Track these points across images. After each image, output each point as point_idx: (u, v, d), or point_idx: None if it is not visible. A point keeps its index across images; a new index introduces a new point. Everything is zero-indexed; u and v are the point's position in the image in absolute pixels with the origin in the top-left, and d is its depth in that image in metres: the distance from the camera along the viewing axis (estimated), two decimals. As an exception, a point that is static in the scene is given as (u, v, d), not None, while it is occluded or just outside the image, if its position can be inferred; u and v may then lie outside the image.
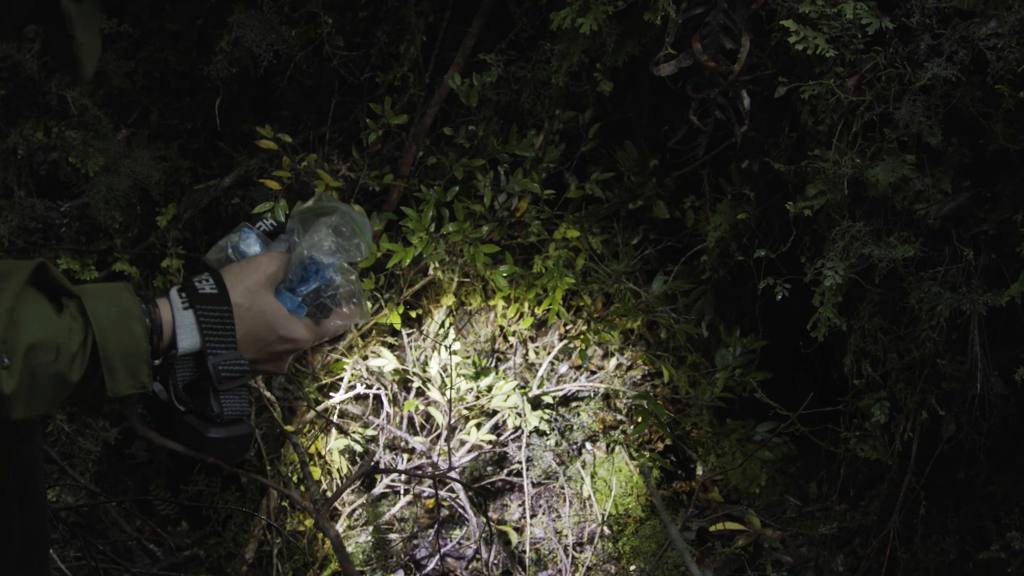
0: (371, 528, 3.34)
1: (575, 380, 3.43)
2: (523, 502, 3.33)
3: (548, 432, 3.44)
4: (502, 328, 3.46)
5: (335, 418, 3.33)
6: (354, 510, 3.36)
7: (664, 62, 2.68)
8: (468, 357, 3.41)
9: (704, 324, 3.24)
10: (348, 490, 3.32)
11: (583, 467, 3.40)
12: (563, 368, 3.47)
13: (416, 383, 3.40)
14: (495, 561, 3.27)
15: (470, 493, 3.31)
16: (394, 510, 3.37)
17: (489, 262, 3.13)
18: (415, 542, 3.38)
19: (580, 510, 3.37)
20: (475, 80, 3.11)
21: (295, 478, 3.27)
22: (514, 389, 3.27)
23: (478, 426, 3.36)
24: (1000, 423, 2.59)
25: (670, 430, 3.29)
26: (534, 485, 3.41)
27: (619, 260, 3.21)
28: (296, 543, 3.18)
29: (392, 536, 3.36)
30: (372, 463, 3.19)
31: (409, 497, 3.39)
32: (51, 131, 3.11)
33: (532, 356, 3.47)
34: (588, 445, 3.45)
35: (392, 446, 3.44)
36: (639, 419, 3.19)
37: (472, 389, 3.30)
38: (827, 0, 2.40)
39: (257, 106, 3.43)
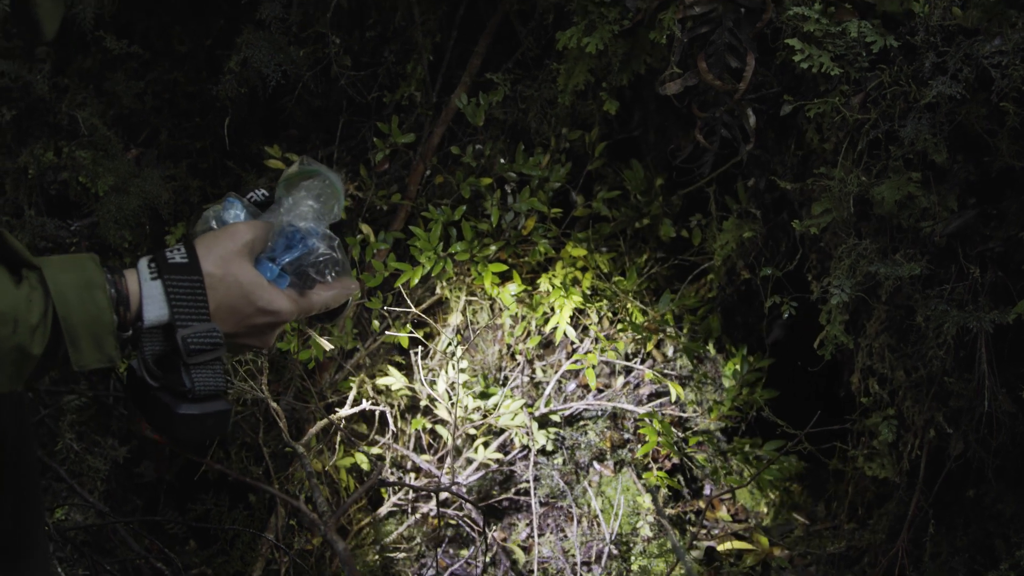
0: (378, 547, 3.34)
1: (582, 399, 3.43)
2: (530, 521, 3.32)
3: (555, 451, 3.44)
4: (509, 346, 3.46)
5: (342, 436, 3.33)
6: (361, 528, 3.35)
7: (670, 81, 2.69)
8: (475, 375, 3.42)
9: (711, 342, 3.24)
10: (354, 509, 3.32)
11: (590, 486, 3.39)
12: (570, 386, 3.47)
13: (423, 401, 3.41)
14: (502, 580, 3.26)
15: (477, 512, 3.31)
16: (401, 529, 3.37)
17: (496, 280, 3.14)
18: (422, 561, 3.38)
19: (588, 529, 3.36)
20: (482, 99, 3.12)
21: (303, 496, 3.28)
22: (521, 408, 3.27)
23: (485, 444, 3.36)
24: (1008, 441, 2.58)
25: (677, 449, 3.28)
26: (541, 504, 3.41)
27: (626, 278, 3.21)
28: (303, 563, 3.18)
29: (399, 555, 3.35)
30: (381, 478, 3.19)
31: (416, 516, 3.39)
32: (61, 151, 3.13)
33: (539, 374, 3.47)
34: (595, 464, 3.45)
35: (399, 464, 3.44)
36: (646, 438, 3.18)
37: (479, 407, 3.30)
38: (832, 19, 2.40)
39: (266, 126, 3.45)
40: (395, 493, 3.37)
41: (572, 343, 3.34)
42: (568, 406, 3.40)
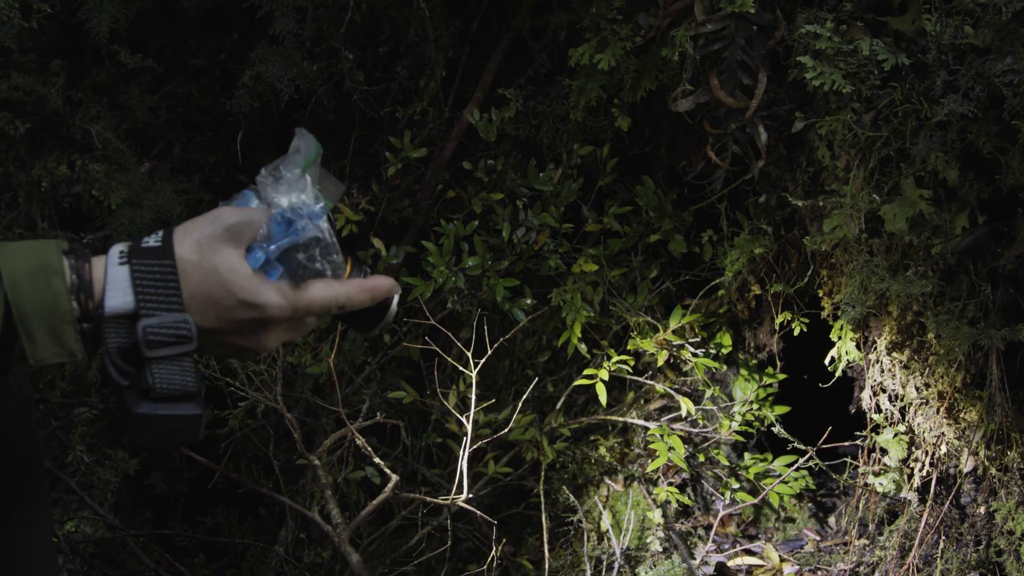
0: (388, 560, 3.34)
1: (593, 413, 3.43)
2: (540, 535, 3.32)
3: (566, 465, 3.44)
4: (520, 360, 3.47)
5: (353, 450, 3.33)
6: (371, 542, 3.36)
7: (682, 98, 2.70)
8: (487, 390, 3.42)
9: (722, 358, 3.24)
10: (366, 522, 3.32)
11: (600, 501, 3.39)
12: (581, 400, 3.48)
13: (434, 415, 3.41)
14: (512, 595, 3.26)
15: (487, 526, 3.31)
16: (411, 543, 3.37)
17: (508, 295, 3.15)
18: (432, 575, 3.37)
19: (598, 544, 3.36)
20: (494, 115, 3.14)
21: (314, 508, 3.28)
22: (531, 422, 3.28)
23: (495, 459, 3.36)
24: (1019, 458, 2.58)
25: (688, 464, 3.28)
26: (551, 518, 3.41)
27: (637, 293, 3.22)
28: (313, 576, 3.18)
29: (409, 569, 3.35)
30: (396, 492, 3.20)
31: (427, 530, 3.39)
32: (75, 164, 3.15)
33: (550, 389, 3.47)
34: (606, 478, 3.45)
35: (409, 478, 3.44)
36: (657, 453, 3.19)
37: (490, 422, 3.31)
38: (843, 37, 2.41)
39: (278, 140, 3.47)
40: (405, 507, 3.37)
41: (583, 358, 3.34)
42: (579, 420, 3.40)
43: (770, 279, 2.99)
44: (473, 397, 3.04)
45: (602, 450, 3.44)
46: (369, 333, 1.60)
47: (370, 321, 1.47)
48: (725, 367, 3.25)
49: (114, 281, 1.27)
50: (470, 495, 3.12)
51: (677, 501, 3.30)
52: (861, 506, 3.16)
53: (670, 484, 3.36)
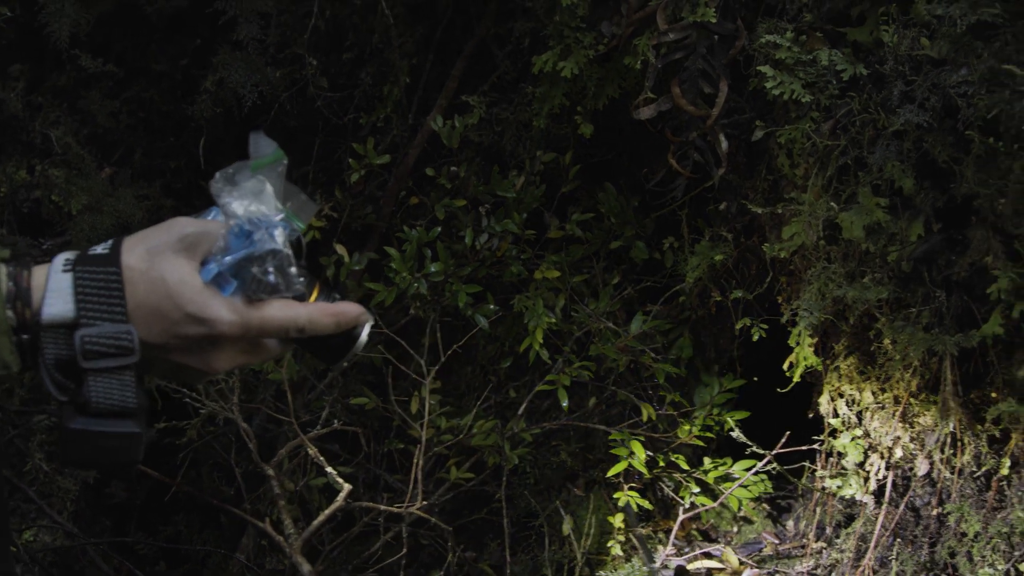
0: (350, 567, 3.33)
1: (555, 419, 3.45)
2: (502, 540, 3.33)
3: (527, 471, 3.45)
4: (483, 367, 3.48)
5: (313, 456, 3.33)
6: (333, 549, 3.35)
7: (644, 106, 2.73)
8: (448, 395, 3.43)
9: (683, 363, 3.27)
10: (327, 529, 3.31)
11: (562, 505, 3.41)
12: (543, 406, 3.49)
13: (396, 422, 3.41)
14: (474, 600, 3.27)
15: (448, 532, 3.32)
16: (372, 549, 3.37)
17: (471, 301, 3.16)
18: (394, 581, 3.38)
19: (559, 548, 3.38)
20: (457, 122, 3.15)
21: (270, 518, 3.27)
22: (493, 428, 3.29)
23: (457, 465, 3.37)
24: (972, 461, 2.63)
25: (648, 468, 3.31)
26: (513, 524, 3.42)
27: (599, 299, 3.24)
28: (274, 583, 3.18)
29: (371, 575, 3.35)
30: (348, 500, 3.19)
31: (387, 536, 3.39)
32: (35, 169, 3.13)
33: (512, 394, 3.48)
34: (567, 483, 3.47)
35: (372, 484, 3.44)
36: (618, 458, 3.21)
37: (453, 427, 3.31)
38: (803, 47, 2.45)
39: (241, 146, 3.41)
40: (367, 514, 3.37)
41: (545, 363, 3.36)
42: (540, 426, 3.42)
43: (730, 285, 3.02)
44: (428, 403, 3.05)
45: (563, 455, 3.46)
46: (335, 364, 1.43)
47: (336, 351, 1.34)
48: (686, 372, 3.28)
49: (55, 289, 1.19)
50: (426, 502, 3.13)
51: (638, 505, 3.33)
52: (818, 509, 3.20)
53: (631, 488, 3.38)
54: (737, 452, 3.26)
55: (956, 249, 2.47)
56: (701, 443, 3.30)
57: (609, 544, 3.31)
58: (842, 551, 3.08)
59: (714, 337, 3.36)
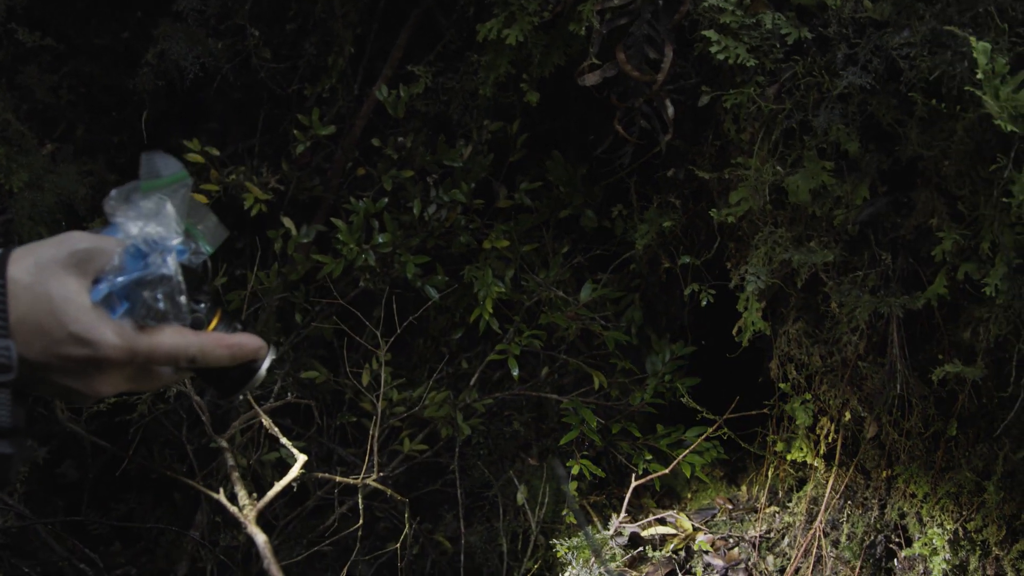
0: (305, 541, 3.32)
1: (507, 389, 3.45)
2: (457, 512, 3.33)
3: (481, 441, 3.45)
4: (434, 338, 3.47)
5: (266, 430, 3.31)
6: (288, 523, 3.33)
7: (589, 72, 2.71)
8: (401, 368, 3.41)
9: (634, 331, 3.27)
10: (281, 503, 3.30)
11: (516, 475, 3.41)
12: (495, 377, 3.49)
13: (348, 395, 3.39)
14: (431, 572, 3.26)
15: (403, 504, 3.31)
16: (328, 522, 3.36)
17: (420, 272, 3.14)
18: (349, 554, 3.37)
19: (514, 518, 3.38)
20: (403, 91, 3.12)
21: (224, 492, 3.25)
22: (446, 399, 3.28)
23: (410, 437, 3.36)
24: (920, 423, 2.65)
25: (601, 437, 3.32)
26: (467, 495, 3.42)
27: (549, 268, 3.24)
28: (229, 560, 3.15)
29: (325, 549, 3.34)
30: (303, 470, 3.18)
31: (342, 509, 3.38)
32: (-27, 146, 3.06)
33: (464, 365, 3.47)
34: (520, 453, 3.47)
35: (325, 458, 3.42)
36: (570, 426, 3.21)
37: (404, 399, 3.30)
38: (747, 11, 2.44)
39: (184, 119, 3.41)
40: (321, 487, 3.36)
41: (496, 334, 3.35)
42: (492, 396, 3.42)
43: (679, 252, 3.02)
44: (383, 375, 3.03)
45: (516, 425, 3.46)
46: (228, 397, 1.36)
47: (231, 384, 1.28)
48: (637, 340, 3.28)
49: None
50: (382, 474, 3.12)
51: (591, 473, 3.34)
52: (770, 473, 3.23)
53: (584, 457, 3.39)
54: (689, 419, 3.27)
55: (901, 211, 2.48)
56: (653, 410, 3.31)
57: (563, 512, 3.31)
58: (794, 514, 3.10)
59: (665, 304, 3.36)
